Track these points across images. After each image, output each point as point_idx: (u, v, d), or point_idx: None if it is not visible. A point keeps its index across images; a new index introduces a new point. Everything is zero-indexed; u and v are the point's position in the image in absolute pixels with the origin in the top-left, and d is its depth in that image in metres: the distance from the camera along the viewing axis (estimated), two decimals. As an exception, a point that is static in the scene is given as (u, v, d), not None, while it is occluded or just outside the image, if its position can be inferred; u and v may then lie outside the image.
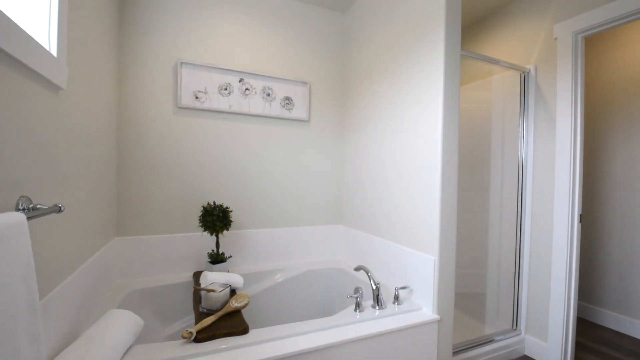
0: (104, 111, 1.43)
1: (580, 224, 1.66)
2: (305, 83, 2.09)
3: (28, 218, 0.64)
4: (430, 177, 1.39)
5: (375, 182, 1.81)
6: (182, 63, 1.76)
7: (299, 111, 2.07)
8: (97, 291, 1.32)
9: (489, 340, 1.70)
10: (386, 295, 1.49)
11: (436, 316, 1.34)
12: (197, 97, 1.81)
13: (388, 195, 1.68)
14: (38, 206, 0.77)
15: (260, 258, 1.99)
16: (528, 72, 1.85)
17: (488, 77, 2.10)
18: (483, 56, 1.70)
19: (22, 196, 0.75)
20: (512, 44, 1.98)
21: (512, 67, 1.80)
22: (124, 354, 0.98)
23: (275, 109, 2.00)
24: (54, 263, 0.94)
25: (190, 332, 1.07)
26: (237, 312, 1.27)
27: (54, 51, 0.91)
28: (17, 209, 0.72)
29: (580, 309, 2.34)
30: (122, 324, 1.03)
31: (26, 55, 0.74)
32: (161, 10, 1.74)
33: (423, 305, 1.41)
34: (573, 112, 1.65)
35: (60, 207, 0.78)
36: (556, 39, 1.72)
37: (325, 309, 2.02)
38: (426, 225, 1.41)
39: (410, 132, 1.52)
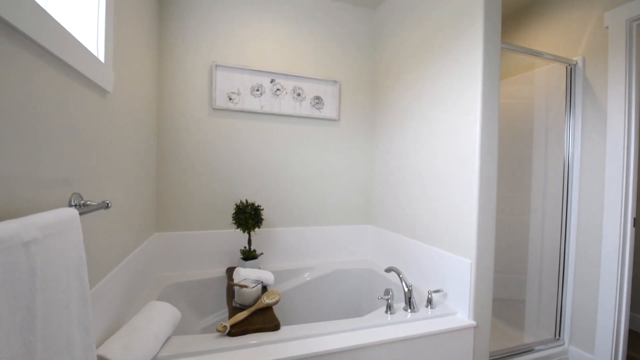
0: (146, 113, 1.51)
1: (634, 228, 1.53)
2: (335, 82, 2.08)
3: (80, 213, 0.69)
4: (467, 177, 1.33)
5: (408, 182, 1.76)
6: (216, 66, 1.82)
7: (328, 110, 2.07)
8: (138, 283, 1.40)
9: (528, 350, 1.61)
10: (418, 298, 1.45)
11: (472, 322, 1.29)
12: (230, 99, 1.86)
13: (422, 195, 1.64)
14: (88, 202, 0.82)
15: (290, 256, 2.01)
16: (575, 65, 1.73)
17: (530, 70, 1.98)
18: (525, 48, 1.60)
19: (74, 193, 0.81)
20: (556, 35, 1.85)
21: (557, 59, 1.68)
22: (164, 344, 1.03)
23: (305, 108, 2.01)
24: (101, 256, 1.00)
25: (225, 326, 1.10)
26: (268, 308, 1.29)
27: (101, 57, 0.97)
28: (70, 205, 0.78)
29: (631, 320, 2.15)
30: (162, 316, 1.08)
31: (79, 62, 0.79)
32: (196, 15, 1.81)
33: (458, 310, 1.36)
34: (627, 107, 1.52)
35: (107, 204, 0.83)
36: (607, 27, 1.59)
37: (354, 310, 2.00)
38: (463, 227, 1.35)
39: (446, 130, 1.47)
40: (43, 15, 0.64)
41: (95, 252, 0.95)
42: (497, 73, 1.30)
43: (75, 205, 0.79)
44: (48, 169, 0.70)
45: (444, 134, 1.48)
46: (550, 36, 1.88)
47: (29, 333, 0.49)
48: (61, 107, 0.75)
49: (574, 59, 1.73)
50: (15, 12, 0.55)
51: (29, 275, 0.49)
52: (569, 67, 1.75)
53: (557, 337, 1.74)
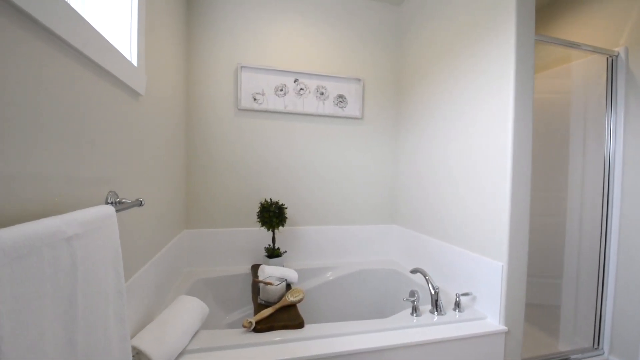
0: (175, 114, 1.57)
1: (686, 232, 1.41)
2: (359, 80, 2.06)
3: (115, 211, 0.72)
4: (499, 176, 1.28)
5: (436, 182, 1.72)
6: (242, 67, 1.85)
7: (352, 109, 2.05)
8: (168, 278, 1.45)
9: (564, 358, 1.52)
10: (445, 301, 1.41)
11: (503, 327, 1.24)
12: (255, 99, 1.89)
13: (450, 195, 1.59)
14: (123, 200, 0.86)
15: (313, 255, 2.02)
16: (617, 56, 1.61)
17: (566, 63, 1.87)
18: (561, 40, 1.51)
19: (111, 191, 0.85)
20: (595, 25, 1.74)
21: (596, 50, 1.58)
22: (192, 338, 1.06)
23: (329, 107, 2.01)
24: (135, 251, 1.04)
25: (250, 322, 1.12)
26: (292, 306, 1.30)
27: (134, 61, 1.01)
28: (107, 203, 0.82)
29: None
30: (191, 310, 1.12)
31: (115, 67, 0.83)
32: (222, 18, 1.85)
33: (488, 314, 1.31)
34: (678, 100, 1.40)
35: (141, 201, 0.87)
36: (655, 14, 1.47)
37: (377, 310, 1.98)
38: (494, 228, 1.30)
39: (478, 128, 1.41)
40: (82, 22, 0.68)
41: (129, 248, 1.00)
42: (531, 67, 1.24)
43: (112, 203, 0.83)
44: (87, 168, 0.74)
45: (475, 132, 1.43)
46: (589, 26, 1.77)
47: (71, 323, 0.52)
48: (99, 110, 0.79)
49: (616, 49, 1.62)
50: (56, 19, 0.59)
51: (71, 268, 0.52)
52: (609, 59, 1.63)
53: (595, 346, 1.64)
